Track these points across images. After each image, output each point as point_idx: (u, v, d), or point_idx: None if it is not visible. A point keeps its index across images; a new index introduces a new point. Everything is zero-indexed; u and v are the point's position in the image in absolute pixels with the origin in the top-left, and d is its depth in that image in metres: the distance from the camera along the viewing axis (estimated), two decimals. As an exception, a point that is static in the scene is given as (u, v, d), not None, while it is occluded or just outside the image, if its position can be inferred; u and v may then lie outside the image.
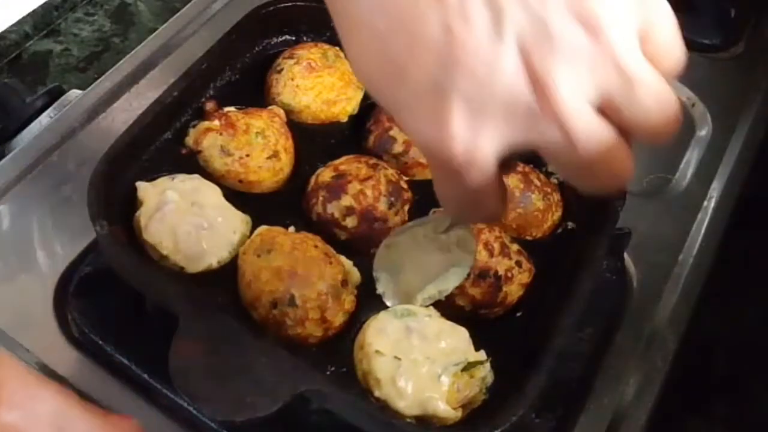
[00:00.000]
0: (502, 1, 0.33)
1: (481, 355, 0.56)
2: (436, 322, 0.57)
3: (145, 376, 0.59)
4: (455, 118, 0.34)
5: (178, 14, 0.83)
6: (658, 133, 0.36)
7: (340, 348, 0.57)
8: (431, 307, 0.58)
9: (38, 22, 0.93)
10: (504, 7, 0.33)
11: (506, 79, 0.33)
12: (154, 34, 0.82)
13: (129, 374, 0.60)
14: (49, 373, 0.60)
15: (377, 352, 0.54)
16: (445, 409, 0.53)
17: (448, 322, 0.58)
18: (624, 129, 0.35)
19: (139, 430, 0.46)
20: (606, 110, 0.35)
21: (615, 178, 0.37)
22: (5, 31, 0.91)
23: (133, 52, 0.79)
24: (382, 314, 0.57)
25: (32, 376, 0.42)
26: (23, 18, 0.92)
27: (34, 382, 0.41)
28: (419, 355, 0.54)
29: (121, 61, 0.78)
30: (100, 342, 0.61)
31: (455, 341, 0.56)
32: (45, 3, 0.93)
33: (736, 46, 0.83)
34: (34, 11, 0.93)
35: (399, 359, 0.54)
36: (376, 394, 0.54)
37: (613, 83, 0.34)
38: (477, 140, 0.35)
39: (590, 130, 0.34)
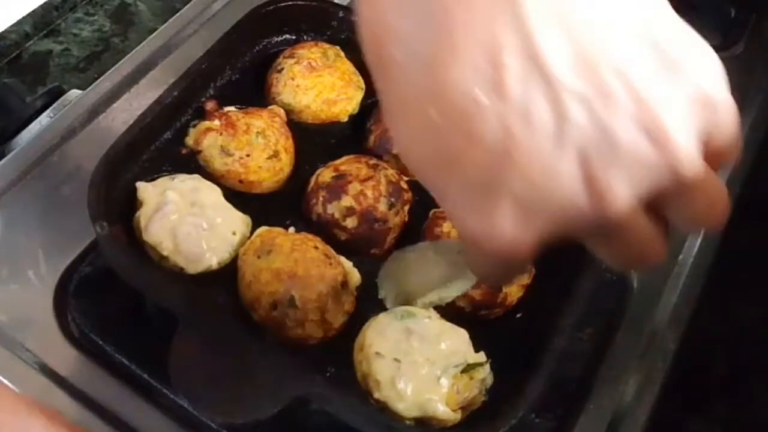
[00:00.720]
0: (567, 104, 0.31)
1: (481, 356, 0.56)
2: (436, 324, 0.57)
3: (145, 376, 0.59)
4: (503, 216, 0.33)
5: (178, 14, 0.83)
6: (703, 226, 0.36)
7: (340, 349, 0.57)
8: (431, 309, 0.58)
9: (38, 22, 0.93)
10: (568, 111, 0.31)
11: (562, 184, 0.32)
12: (154, 34, 0.81)
13: (129, 374, 0.59)
14: (49, 373, 0.60)
15: (377, 354, 0.54)
16: (444, 410, 0.53)
17: (448, 324, 0.57)
18: (668, 220, 0.36)
19: None
20: (655, 206, 0.34)
21: (648, 263, 0.37)
22: (5, 31, 0.90)
23: (133, 52, 0.79)
24: (382, 316, 0.57)
25: (23, 404, 0.41)
26: (23, 18, 0.92)
27: (25, 411, 0.41)
28: (419, 357, 0.54)
29: (121, 61, 0.78)
30: (100, 342, 0.61)
31: (455, 343, 0.56)
32: (45, 3, 0.93)
33: (736, 46, 0.83)
34: (34, 11, 0.92)
35: (399, 361, 0.54)
36: (376, 395, 0.54)
37: (670, 189, 0.33)
38: (522, 237, 0.34)
39: (637, 229, 0.34)
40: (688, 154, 0.32)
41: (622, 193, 0.32)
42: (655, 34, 0.32)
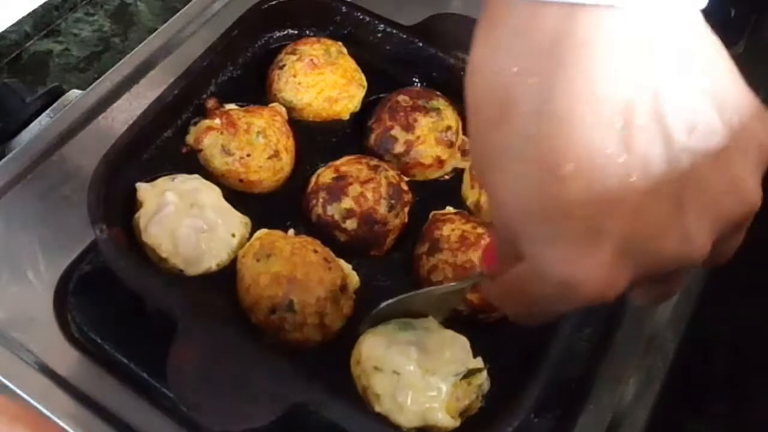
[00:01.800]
0: (681, 160, 0.34)
1: (479, 361, 0.56)
2: (436, 333, 0.56)
3: (145, 375, 0.59)
4: (603, 259, 0.35)
5: (178, 14, 0.83)
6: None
7: (338, 352, 0.57)
8: (430, 317, 0.57)
9: (38, 22, 0.93)
10: (681, 165, 0.34)
11: (662, 230, 0.35)
12: (154, 34, 0.81)
13: (129, 374, 0.59)
14: (49, 373, 0.60)
15: (375, 368, 0.54)
16: (444, 418, 0.53)
17: (449, 332, 0.57)
18: None
19: None
20: None
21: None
22: (5, 31, 0.90)
23: (133, 52, 0.79)
24: (380, 328, 0.57)
25: (5, 416, 0.40)
26: (23, 18, 0.91)
27: (7, 424, 0.40)
28: (419, 368, 0.54)
29: (121, 61, 0.78)
30: (100, 341, 0.61)
31: (456, 351, 0.55)
32: (45, 3, 0.93)
33: (736, 46, 0.83)
34: (34, 11, 0.92)
35: (398, 374, 0.53)
36: (377, 409, 0.53)
37: (737, 236, 0.37)
38: (616, 280, 0.35)
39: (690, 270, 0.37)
40: (759, 203, 0.36)
41: (706, 240, 0.35)
42: (736, 104, 0.36)
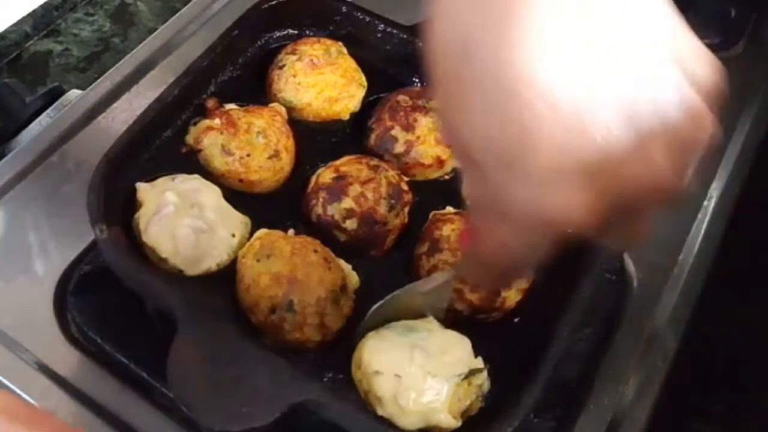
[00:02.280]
0: (639, 99, 0.35)
1: (479, 362, 0.56)
2: (438, 335, 0.56)
3: (145, 375, 0.59)
4: (576, 190, 0.36)
5: (178, 14, 0.83)
6: None
7: (338, 352, 0.57)
8: (431, 318, 0.57)
9: (38, 22, 0.93)
10: (638, 104, 0.35)
11: (629, 158, 0.35)
12: (154, 34, 0.81)
13: (129, 374, 0.60)
14: (49, 373, 0.60)
15: (376, 372, 0.54)
16: (446, 419, 0.53)
17: (452, 333, 0.57)
18: None
19: None
20: None
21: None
22: (5, 31, 0.90)
23: (133, 52, 0.79)
24: (382, 331, 0.57)
25: (4, 414, 0.39)
26: (23, 18, 0.92)
27: (7, 422, 0.40)
28: (421, 370, 0.53)
29: (121, 61, 0.78)
30: (100, 341, 0.61)
31: (458, 353, 0.55)
32: (45, 3, 0.93)
33: (736, 46, 0.83)
34: (34, 11, 0.92)
35: (400, 377, 0.53)
36: (379, 412, 0.53)
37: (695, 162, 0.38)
38: (591, 208, 0.36)
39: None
40: (717, 131, 0.37)
41: (670, 166, 0.36)
42: (681, 46, 0.37)
